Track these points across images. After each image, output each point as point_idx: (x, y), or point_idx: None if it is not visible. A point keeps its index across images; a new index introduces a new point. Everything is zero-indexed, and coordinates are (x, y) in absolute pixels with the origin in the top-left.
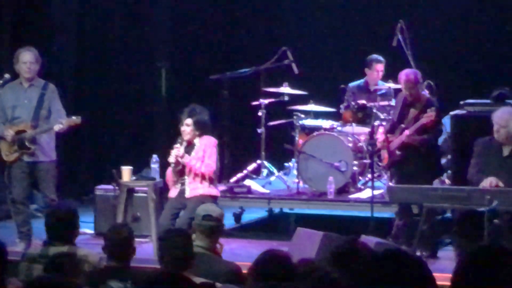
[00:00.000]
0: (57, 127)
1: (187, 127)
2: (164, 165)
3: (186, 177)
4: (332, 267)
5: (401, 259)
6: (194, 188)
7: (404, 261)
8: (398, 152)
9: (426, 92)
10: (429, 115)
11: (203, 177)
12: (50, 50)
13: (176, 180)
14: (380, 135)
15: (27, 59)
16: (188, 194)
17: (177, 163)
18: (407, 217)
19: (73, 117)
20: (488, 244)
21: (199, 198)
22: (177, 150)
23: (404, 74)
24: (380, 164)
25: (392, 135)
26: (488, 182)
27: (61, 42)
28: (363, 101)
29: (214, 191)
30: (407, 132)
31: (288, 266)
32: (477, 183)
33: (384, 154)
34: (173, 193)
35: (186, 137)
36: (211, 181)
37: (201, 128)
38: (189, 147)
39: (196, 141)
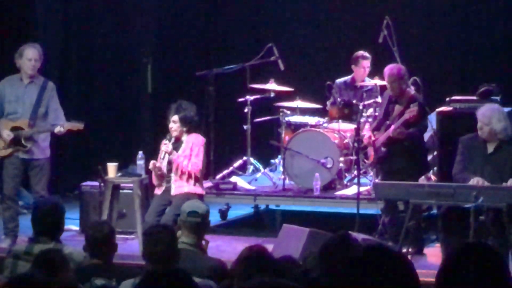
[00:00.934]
0: (57, 130)
1: (173, 123)
2: (150, 161)
3: (172, 174)
4: (321, 262)
5: (382, 254)
6: (179, 186)
7: (386, 256)
8: (383, 149)
9: (412, 89)
10: (411, 110)
11: (189, 176)
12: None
13: (161, 181)
14: (366, 132)
15: (31, 56)
16: (173, 191)
17: (162, 167)
18: (393, 213)
19: (76, 122)
20: (473, 241)
21: (185, 195)
22: (166, 147)
23: (388, 68)
24: (366, 161)
25: (378, 132)
26: (475, 182)
27: (45, 39)
28: (349, 98)
29: (199, 189)
30: (392, 127)
31: (269, 261)
32: (462, 181)
33: (370, 151)
34: (159, 190)
35: (174, 133)
36: (197, 180)
37: (188, 125)
38: (177, 143)
39: (184, 138)
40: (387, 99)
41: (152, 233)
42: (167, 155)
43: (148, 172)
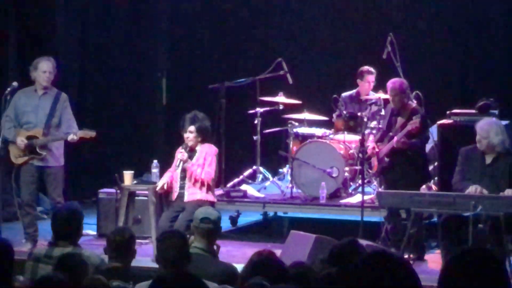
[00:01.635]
0: (70, 138)
1: (190, 134)
2: (164, 170)
3: (186, 181)
4: (329, 266)
5: (387, 260)
6: (192, 193)
7: (390, 262)
8: (386, 159)
9: (413, 102)
10: (414, 122)
11: (202, 183)
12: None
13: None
14: (370, 143)
15: (46, 68)
16: (186, 198)
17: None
18: (396, 221)
19: (88, 130)
20: (473, 247)
21: (197, 202)
22: (182, 155)
23: (391, 82)
24: (370, 171)
25: (382, 143)
26: (473, 189)
27: (65, 54)
28: (354, 111)
29: (211, 197)
30: (395, 138)
31: (279, 266)
32: (461, 190)
33: (374, 161)
34: (173, 196)
35: (190, 143)
36: (209, 188)
37: (203, 135)
38: (191, 152)
39: (198, 147)
40: (389, 112)
41: (164, 238)
42: (181, 163)
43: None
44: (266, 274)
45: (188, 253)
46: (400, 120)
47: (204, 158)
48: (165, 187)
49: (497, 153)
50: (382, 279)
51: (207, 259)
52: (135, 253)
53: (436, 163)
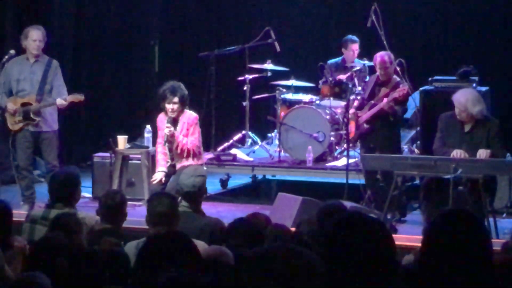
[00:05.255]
0: (59, 102)
1: (174, 105)
2: (156, 134)
3: (174, 152)
4: (317, 226)
5: (361, 221)
6: (181, 162)
7: (363, 222)
8: (365, 125)
9: (396, 76)
10: (402, 89)
11: (188, 152)
12: (50, 29)
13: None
14: (351, 110)
15: (36, 37)
16: (177, 167)
17: (170, 142)
18: (374, 185)
19: (77, 94)
20: (453, 208)
21: (187, 167)
22: (169, 131)
23: (379, 55)
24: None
25: (361, 111)
26: (455, 153)
27: (60, 21)
28: (340, 77)
29: (199, 162)
30: (385, 100)
31: (255, 230)
32: (442, 155)
33: (352, 128)
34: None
35: (174, 114)
36: (195, 155)
37: (185, 103)
38: (175, 123)
39: (180, 118)
40: (373, 81)
41: (154, 198)
42: (167, 138)
43: (155, 144)
44: (245, 238)
45: (176, 213)
46: (384, 90)
47: (187, 129)
48: (163, 180)
49: (475, 121)
50: (357, 238)
51: (193, 216)
52: (126, 215)
53: (418, 128)
